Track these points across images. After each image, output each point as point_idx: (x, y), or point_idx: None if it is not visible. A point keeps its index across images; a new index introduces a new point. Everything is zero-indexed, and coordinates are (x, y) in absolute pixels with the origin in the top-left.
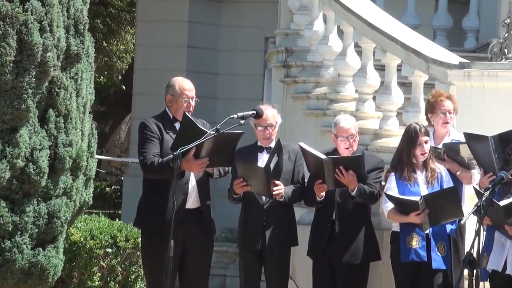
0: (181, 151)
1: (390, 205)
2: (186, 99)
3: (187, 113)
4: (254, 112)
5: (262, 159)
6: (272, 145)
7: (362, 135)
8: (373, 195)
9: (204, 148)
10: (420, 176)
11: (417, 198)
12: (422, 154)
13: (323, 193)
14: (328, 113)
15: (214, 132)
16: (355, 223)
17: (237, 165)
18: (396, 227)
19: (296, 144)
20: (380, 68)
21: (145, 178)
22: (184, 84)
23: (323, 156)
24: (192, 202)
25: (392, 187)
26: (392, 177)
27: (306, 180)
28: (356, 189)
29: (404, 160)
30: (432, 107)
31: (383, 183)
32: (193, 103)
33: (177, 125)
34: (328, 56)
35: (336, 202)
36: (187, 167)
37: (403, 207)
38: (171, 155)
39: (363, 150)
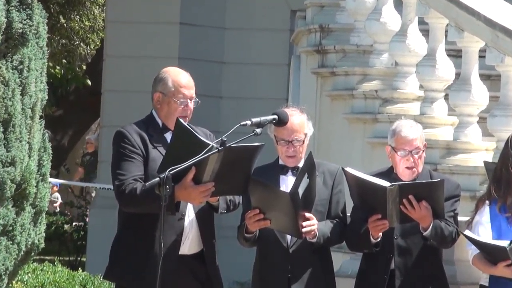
0: (171, 172)
1: (475, 249)
2: (182, 100)
3: (181, 120)
4: (275, 117)
5: (286, 184)
6: (300, 165)
7: (430, 149)
8: (451, 235)
9: (207, 169)
10: None
11: (505, 243)
12: None
13: (381, 233)
14: (380, 118)
15: (218, 146)
16: (423, 275)
17: (251, 190)
18: (485, 279)
19: (335, 164)
20: (455, 54)
21: (121, 210)
22: (180, 79)
23: (385, 183)
24: (190, 245)
25: (483, 222)
26: (487, 209)
27: (349, 214)
28: (431, 227)
29: (505, 183)
30: None
31: (465, 218)
32: (191, 105)
33: (169, 137)
34: (381, 38)
35: (395, 245)
36: (184, 197)
37: (488, 253)
38: (157, 178)
39: (430, 170)
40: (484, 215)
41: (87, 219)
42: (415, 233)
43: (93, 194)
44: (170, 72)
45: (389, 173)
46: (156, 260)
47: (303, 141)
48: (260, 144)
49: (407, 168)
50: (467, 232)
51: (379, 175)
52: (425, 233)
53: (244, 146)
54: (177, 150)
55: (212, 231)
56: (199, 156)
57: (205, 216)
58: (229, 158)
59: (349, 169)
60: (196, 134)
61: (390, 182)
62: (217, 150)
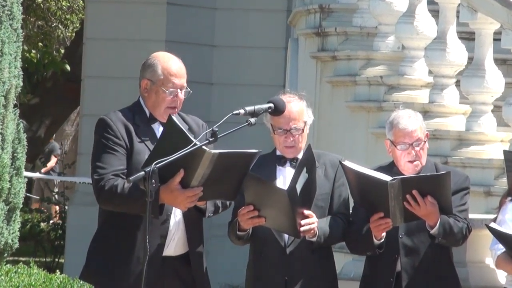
0: (158, 166)
1: (500, 248)
2: (172, 89)
3: (173, 116)
4: (271, 106)
5: (284, 177)
6: (300, 156)
7: (440, 141)
8: (461, 232)
9: (197, 173)
10: None
11: None
12: None
13: (384, 233)
14: (385, 106)
15: (209, 137)
16: (432, 277)
17: (245, 185)
18: (510, 282)
19: (336, 154)
20: (468, 37)
21: (102, 208)
22: (171, 66)
23: (387, 178)
24: (176, 246)
25: (507, 220)
26: (510, 206)
27: (351, 211)
28: (438, 224)
29: None
30: None
31: (482, 215)
32: (182, 95)
33: (156, 128)
34: (387, 19)
35: (401, 245)
36: (169, 200)
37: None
38: (141, 172)
39: (435, 163)
40: (508, 213)
41: (66, 217)
42: (421, 231)
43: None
44: (160, 57)
45: (391, 168)
46: (137, 261)
47: (302, 130)
48: (256, 151)
49: (409, 162)
50: (492, 224)
51: (380, 169)
52: (432, 231)
53: (239, 153)
54: (166, 148)
55: (200, 231)
56: (184, 150)
57: (192, 216)
58: (222, 164)
59: (347, 163)
60: (189, 135)
61: (392, 177)
62: (207, 141)
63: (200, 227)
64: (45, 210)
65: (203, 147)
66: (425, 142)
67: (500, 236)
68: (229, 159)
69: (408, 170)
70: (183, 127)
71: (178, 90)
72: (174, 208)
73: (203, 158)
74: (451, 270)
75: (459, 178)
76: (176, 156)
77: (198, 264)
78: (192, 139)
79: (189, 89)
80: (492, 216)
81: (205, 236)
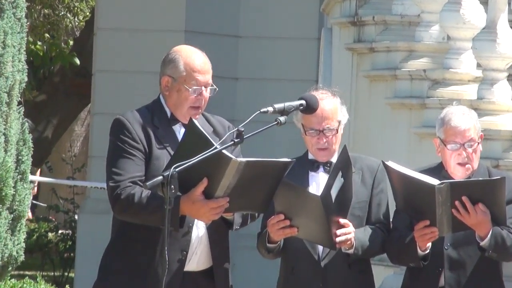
0: (177, 169)
1: None
2: (195, 87)
3: (196, 117)
4: (303, 103)
5: (317, 182)
6: (334, 159)
7: (490, 141)
8: None
9: (222, 183)
10: None
11: None
12: None
13: (430, 243)
14: (429, 103)
15: (234, 137)
16: None
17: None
18: None
19: (375, 158)
20: None
21: (116, 218)
22: (194, 61)
23: (434, 181)
24: (198, 261)
25: None
26: None
27: (391, 219)
28: (490, 235)
29: None
30: None
31: None
32: (207, 94)
33: (178, 130)
34: (430, 6)
35: (446, 257)
36: (191, 212)
37: None
38: (159, 177)
39: (489, 167)
40: None
41: (76, 227)
42: (470, 242)
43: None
44: (182, 52)
45: (439, 170)
46: (156, 278)
47: (337, 130)
48: (289, 160)
49: (459, 164)
50: None
51: (427, 172)
52: (482, 243)
53: (269, 162)
54: (187, 155)
55: (226, 245)
56: (202, 154)
57: (217, 227)
58: (250, 174)
59: (391, 163)
60: (212, 140)
61: (440, 181)
62: (232, 142)
63: (226, 241)
64: (53, 219)
65: (229, 154)
66: (478, 143)
67: None
68: (258, 168)
69: (457, 173)
70: (207, 130)
71: (203, 88)
72: (196, 219)
73: (229, 167)
74: (500, 286)
75: None
76: (198, 160)
77: (223, 281)
78: (214, 143)
79: (215, 87)
80: None
81: (231, 247)
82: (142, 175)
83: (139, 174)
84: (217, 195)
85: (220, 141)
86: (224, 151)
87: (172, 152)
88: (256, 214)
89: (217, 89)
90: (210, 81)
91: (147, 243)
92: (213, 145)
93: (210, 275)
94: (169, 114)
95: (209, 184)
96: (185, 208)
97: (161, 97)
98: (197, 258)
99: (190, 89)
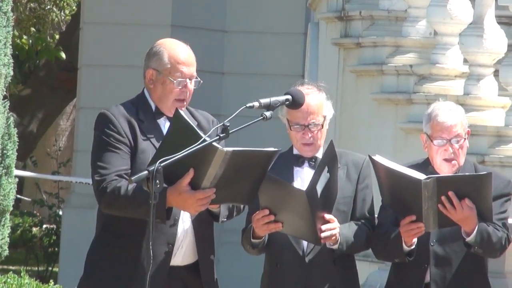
0: (163, 164)
1: None
2: (180, 79)
3: (181, 111)
4: (289, 98)
5: (302, 177)
6: (320, 154)
7: (476, 137)
8: (500, 242)
9: (208, 174)
10: None
11: None
12: None
13: (415, 239)
14: (416, 99)
15: (220, 132)
16: None
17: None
18: None
19: (361, 154)
20: (508, 22)
21: (101, 211)
22: (179, 52)
23: (421, 176)
24: (184, 255)
25: None
26: None
27: (377, 214)
28: (476, 231)
29: None
30: None
31: None
32: (191, 86)
33: (163, 123)
34: (417, 1)
35: (432, 253)
36: (178, 203)
37: None
38: (145, 171)
39: (475, 163)
40: None
41: (60, 222)
42: (455, 239)
43: None
44: (166, 45)
45: (425, 166)
46: (143, 272)
47: (322, 125)
48: (275, 149)
49: (446, 160)
50: None
51: (413, 167)
52: (468, 239)
53: (255, 151)
54: (173, 146)
55: (211, 238)
56: (189, 149)
57: (203, 221)
58: (237, 164)
59: (377, 157)
60: (198, 131)
61: (427, 175)
62: (217, 137)
63: (211, 234)
64: (38, 214)
65: (215, 144)
66: (465, 139)
67: None
68: (245, 158)
69: (443, 169)
70: (192, 123)
71: (187, 80)
72: (182, 212)
73: (215, 157)
74: (485, 284)
75: (501, 181)
76: (183, 154)
77: (208, 274)
78: (202, 134)
79: (199, 79)
80: None
81: (215, 243)
82: (128, 169)
83: (125, 168)
84: (203, 186)
85: (207, 134)
86: (207, 138)
87: (157, 145)
88: (242, 207)
89: (202, 81)
90: (195, 73)
91: (132, 237)
92: (199, 134)
93: (196, 270)
94: (153, 108)
95: (195, 175)
96: (172, 199)
97: (145, 91)
98: (183, 252)
99: (174, 81)
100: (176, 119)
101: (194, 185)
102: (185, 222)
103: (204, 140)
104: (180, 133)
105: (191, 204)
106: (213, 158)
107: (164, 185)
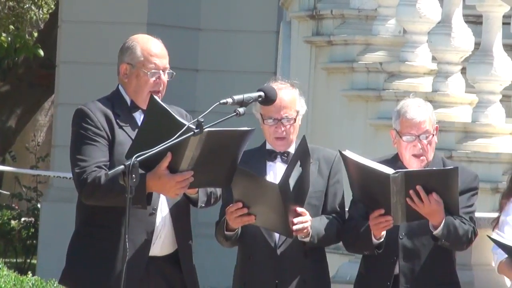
0: (139, 159)
1: (502, 253)
2: (154, 70)
3: (156, 96)
4: (262, 94)
5: (275, 172)
6: (292, 150)
7: (444, 133)
8: (466, 235)
9: (186, 156)
10: None
11: None
12: None
13: (384, 232)
14: (385, 95)
15: (194, 127)
16: (432, 282)
17: (233, 180)
18: None
19: (332, 149)
20: (475, 21)
21: (81, 203)
22: (151, 47)
23: (390, 171)
24: (162, 245)
25: (509, 221)
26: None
27: (347, 208)
28: (442, 225)
29: None
30: None
31: (489, 214)
32: (165, 78)
33: (138, 117)
34: (387, 1)
35: (400, 246)
36: (157, 187)
37: None
38: (121, 166)
39: (443, 158)
40: (511, 214)
41: (39, 215)
42: (424, 232)
43: None
44: (139, 39)
45: (394, 162)
46: (123, 263)
47: (295, 120)
48: (249, 129)
49: (414, 156)
50: (495, 236)
51: (382, 163)
52: (435, 232)
53: (230, 131)
54: (150, 133)
55: (188, 228)
56: (171, 140)
57: (181, 211)
58: (212, 144)
59: (348, 153)
60: (175, 115)
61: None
62: (192, 133)
63: (188, 223)
64: (17, 207)
65: (191, 125)
66: (433, 135)
67: (504, 247)
68: (220, 138)
69: (412, 165)
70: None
71: (161, 72)
72: (160, 202)
73: (191, 138)
74: (453, 276)
75: (467, 176)
76: (162, 148)
77: (188, 264)
78: (179, 118)
79: (172, 71)
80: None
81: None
82: (107, 161)
83: (104, 160)
84: (181, 169)
85: (189, 123)
86: (184, 121)
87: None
88: (218, 195)
89: (175, 73)
90: (168, 65)
91: (112, 228)
92: (176, 118)
93: (174, 261)
94: (129, 102)
95: (173, 158)
96: (152, 184)
97: (120, 86)
98: (161, 242)
99: (148, 73)
100: (152, 105)
101: (173, 169)
102: (163, 211)
103: (187, 130)
104: (157, 118)
105: (171, 187)
106: (188, 141)
107: (142, 171)
